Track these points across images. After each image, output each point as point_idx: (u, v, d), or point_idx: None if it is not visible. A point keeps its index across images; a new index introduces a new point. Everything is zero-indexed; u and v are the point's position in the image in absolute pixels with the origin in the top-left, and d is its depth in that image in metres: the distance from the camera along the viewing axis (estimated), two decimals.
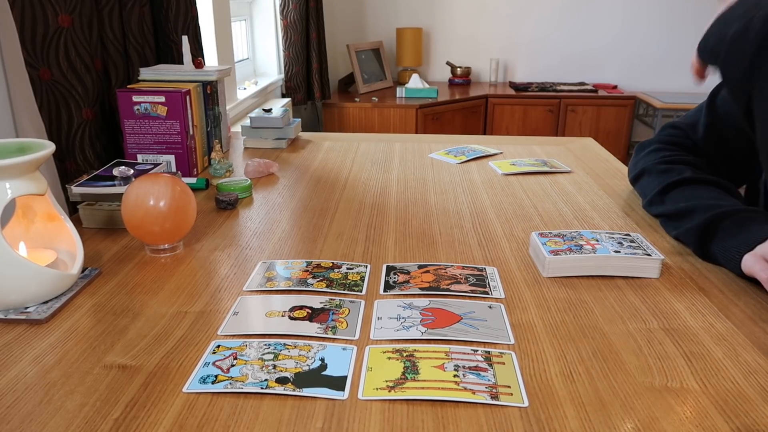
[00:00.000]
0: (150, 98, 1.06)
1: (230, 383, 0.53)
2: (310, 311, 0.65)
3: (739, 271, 0.72)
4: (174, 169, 1.10)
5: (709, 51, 0.77)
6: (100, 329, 0.62)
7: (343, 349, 0.58)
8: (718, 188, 0.85)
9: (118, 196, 0.87)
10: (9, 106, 0.88)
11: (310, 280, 0.72)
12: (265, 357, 0.56)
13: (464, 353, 0.57)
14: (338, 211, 0.97)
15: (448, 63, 3.60)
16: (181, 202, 0.77)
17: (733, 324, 0.63)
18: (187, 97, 1.08)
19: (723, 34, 0.73)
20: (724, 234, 0.75)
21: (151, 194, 0.75)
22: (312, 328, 0.62)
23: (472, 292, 0.70)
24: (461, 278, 0.73)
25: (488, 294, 0.69)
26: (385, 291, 0.70)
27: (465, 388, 0.52)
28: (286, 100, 2.79)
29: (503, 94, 3.32)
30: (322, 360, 0.56)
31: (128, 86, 1.11)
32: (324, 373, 0.54)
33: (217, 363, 0.56)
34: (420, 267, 0.76)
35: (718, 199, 0.81)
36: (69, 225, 0.71)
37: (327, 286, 0.71)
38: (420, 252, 0.81)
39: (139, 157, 1.10)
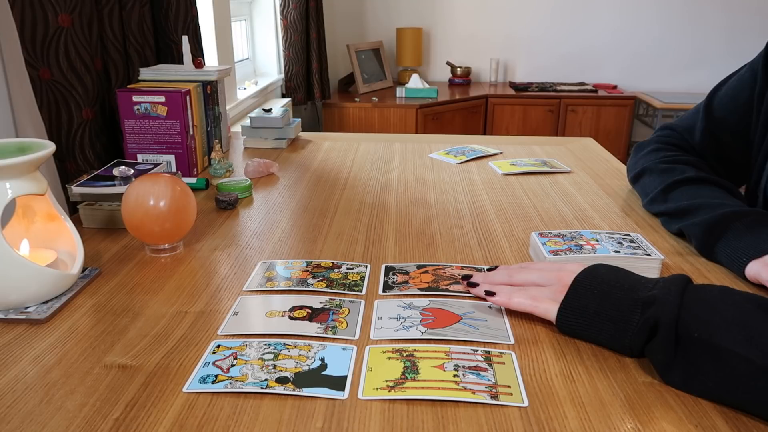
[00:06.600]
0: (150, 98, 1.06)
1: (230, 383, 0.53)
2: (310, 311, 0.65)
3: (741, 274, 0.72)
4: (174, 169, 1.10)
5: None
6: (100, 329, 0.62)
7: (343, 349, 0.58)
8: (721, 188, 0.85)
9: (118, 196, 0.87)
10: (9, 106, 0.88)
11: (310, 280, 0.72)
12: (265, 357, 0.56)
13: (464, 353, 0.57)
14: (338, 211, 0.97)
15: (448, 63, 3.60)
16: (181, 202, 0.77)
17: None
18: (187, 97, 1.08)
19: None
20: (732, 235, 0.74)
21: (151, 194, 0.75)
22: (312, 328, 0.62)
23: None
24: (460, 278, 0.73)
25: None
26: (383, 292, 0.70)
27: (465, 388, 0.52)
28: (286, 100, 2.79)
29: (503, 94, 3.32)
30: (322, 360, 0.56)
31: (128, 86, 1.11)
32: (324, 373, 0.54)
33: (217, 363, 0.56)
34: (419, 267, 0.76)
35: (724, 199, 0.81)
36: (69, 225, 0.71)
37: (327, 286, 0.71)
38: (420, 252, 0.81)
39: (139, 157, 1.10)
